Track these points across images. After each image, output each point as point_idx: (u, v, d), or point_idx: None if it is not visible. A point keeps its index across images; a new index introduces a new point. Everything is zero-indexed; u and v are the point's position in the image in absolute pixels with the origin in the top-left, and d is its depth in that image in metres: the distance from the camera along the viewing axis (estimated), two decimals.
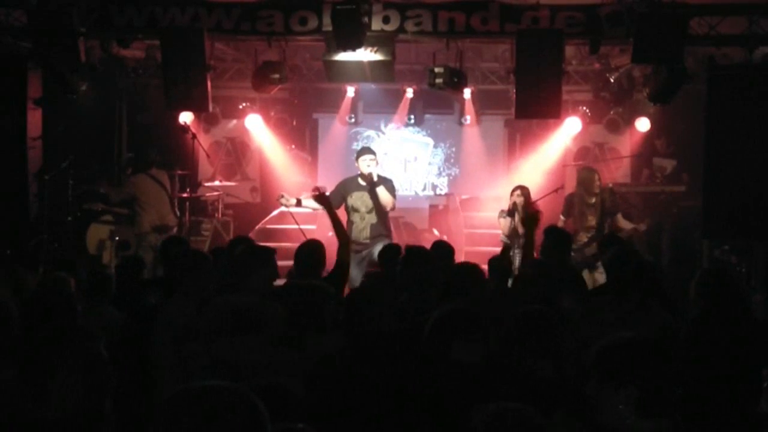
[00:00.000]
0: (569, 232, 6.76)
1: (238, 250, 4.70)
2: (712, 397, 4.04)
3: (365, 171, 7.09)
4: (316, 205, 7.20)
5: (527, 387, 2.89)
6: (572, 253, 7.48)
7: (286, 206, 7.28)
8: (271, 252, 4.51)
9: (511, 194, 7.94)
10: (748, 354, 4.07)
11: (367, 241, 7.15)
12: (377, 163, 7.22)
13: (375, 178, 7.07)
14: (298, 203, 7.24)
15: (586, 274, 7.28)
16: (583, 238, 7.89)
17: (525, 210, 7.36)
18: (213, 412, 1.56)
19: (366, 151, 7.32)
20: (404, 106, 10.92)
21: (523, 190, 7.98)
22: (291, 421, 2.06)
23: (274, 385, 2.47)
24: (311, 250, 4.96)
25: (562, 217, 8.13)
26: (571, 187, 9.76)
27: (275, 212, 10.83)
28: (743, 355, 4.06)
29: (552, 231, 5.55)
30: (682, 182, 9.85)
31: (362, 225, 7.18)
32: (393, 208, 7.30)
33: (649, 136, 10.73)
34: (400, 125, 11.59)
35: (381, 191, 7.09)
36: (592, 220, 7.90)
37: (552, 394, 2.79)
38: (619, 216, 8.02)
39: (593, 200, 7.93)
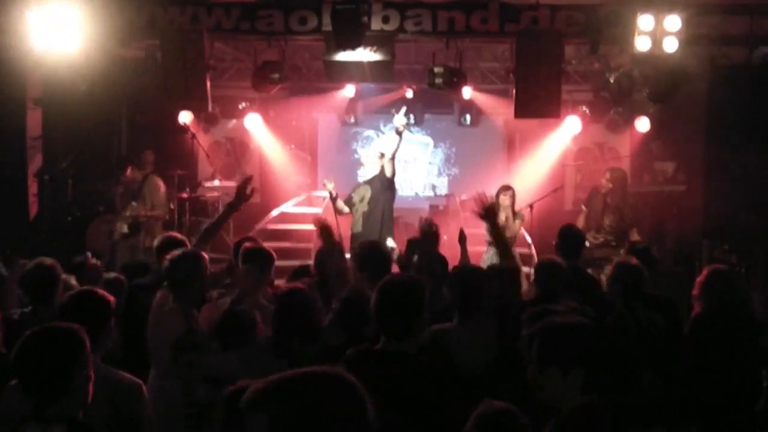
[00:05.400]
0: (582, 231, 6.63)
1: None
2: (712, 395, 4.07)
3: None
4: (344, 209, 7.36)
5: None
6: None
7: (329, 192, 7.28)
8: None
9: (497, 194, 7.78)
10: (749, 354, 4.09)
11: (359, 231, 7.22)
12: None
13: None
14: (336, 198, 7.32)
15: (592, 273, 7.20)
16: (592, 238, 7.77)
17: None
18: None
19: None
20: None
21: (512, 192, 7.85)
22: None
23: None
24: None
25: (583, 207, 8.11)
26: (571, 186, 9.79)
27: (275, 212, 10.82)
28: (744, 354, 4.08)
29: (565, 233, 5.40)
30: (681, 182, 9.84)
31: (356, 216, 7.30)
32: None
33: (645, 138, 10.69)
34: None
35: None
36: (607, 221, 7.80)
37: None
38: (635, 230, 7.84)
39: (615, 203, 7.82)
